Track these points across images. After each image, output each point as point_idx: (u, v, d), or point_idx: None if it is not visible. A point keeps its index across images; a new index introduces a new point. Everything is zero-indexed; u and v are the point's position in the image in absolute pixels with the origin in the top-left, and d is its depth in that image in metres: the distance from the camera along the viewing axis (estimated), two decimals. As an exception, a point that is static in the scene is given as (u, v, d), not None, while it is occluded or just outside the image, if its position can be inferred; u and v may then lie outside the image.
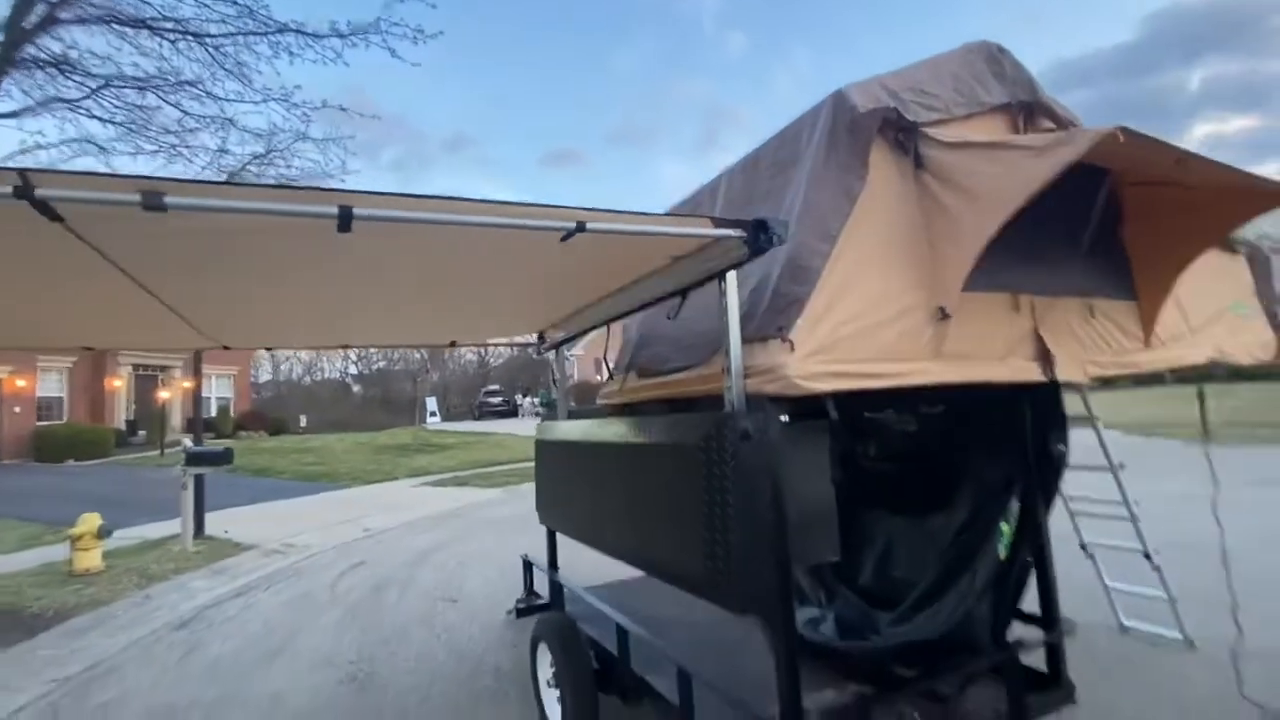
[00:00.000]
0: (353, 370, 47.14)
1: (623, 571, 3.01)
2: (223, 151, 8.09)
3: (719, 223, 1.76)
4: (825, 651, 2.58)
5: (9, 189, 1.21)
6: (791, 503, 1.82)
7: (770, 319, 1.93)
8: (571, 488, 3.03)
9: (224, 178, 7.68)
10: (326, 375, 47.47)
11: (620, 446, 2.42)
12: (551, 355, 4.23)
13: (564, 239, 1.62)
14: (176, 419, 22.15)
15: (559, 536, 3.62)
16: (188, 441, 8.05)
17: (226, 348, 3.43)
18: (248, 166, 8.07)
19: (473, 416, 34.29)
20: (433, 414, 34.51)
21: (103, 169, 7.59)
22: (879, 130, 2.10)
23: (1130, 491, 3.49)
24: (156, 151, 7.85)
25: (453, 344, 4.19)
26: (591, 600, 3.02)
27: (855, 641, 2.65)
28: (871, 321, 1.96)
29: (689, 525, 1.92)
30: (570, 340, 3.85)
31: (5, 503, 11.78)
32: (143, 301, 2.17)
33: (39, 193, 1.22)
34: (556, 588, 3.63)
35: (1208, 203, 2.28)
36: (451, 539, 8.27)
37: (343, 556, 7.58)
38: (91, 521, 6.55)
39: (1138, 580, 3.67)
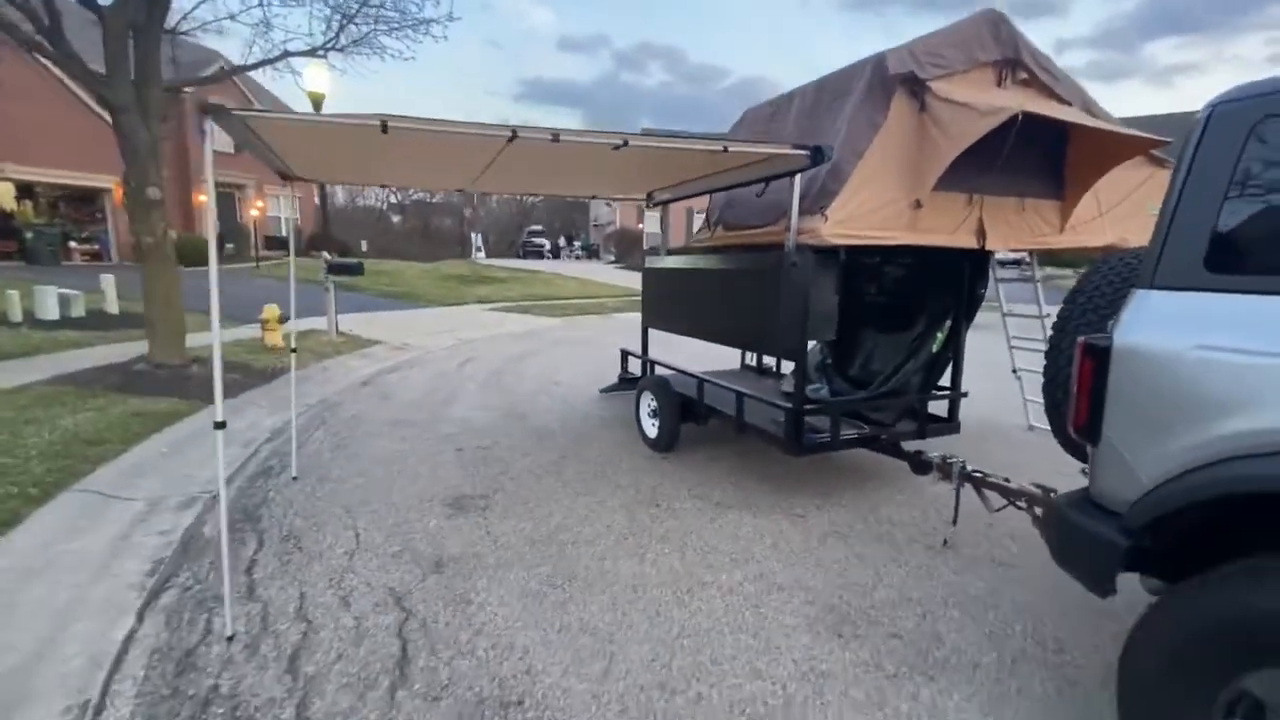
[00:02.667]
0: (391, 199, 48.21)
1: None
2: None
3: (796, 146, 3.20)
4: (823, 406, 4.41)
5: (379, 123, 2.65)
6: (813, 302, 3.47)
7: (816, 201, 3.43)
8: (678, 298, 4.70)
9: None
10: (366, 203, 48.63)
11: (722, 271, 4.05)
12: (655, 211, 5.69)
13: (718, 153, 3.09)
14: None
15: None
16: (326, 254, 9.88)
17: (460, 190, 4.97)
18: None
19: (516, 255, 36.00)
20: (478, 249, 36.21)
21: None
22: (900, 84, 3.41)
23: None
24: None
25: (589, 197, 5.67)
26: (677, 371, 4.87)
27: (841, 398, 4.46)
28: (873, 207, 3.45)
29: (762, 313, 3.60)
30: (674, 201, 5.30)
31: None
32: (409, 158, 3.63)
33: (390, 125, 2.68)
34: (651, 365, 5.49)
35: (1110, 140, 3.59)
36: (534, 350, 10.31)
37: (454, 355, 9.71)
38: (273, 311, 8.63)
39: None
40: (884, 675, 2.34)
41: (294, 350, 4.74)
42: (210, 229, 2.43)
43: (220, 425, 2.57)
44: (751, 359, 6.16)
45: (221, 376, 2.55)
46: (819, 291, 3.53)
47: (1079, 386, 1.85)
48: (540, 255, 34.93)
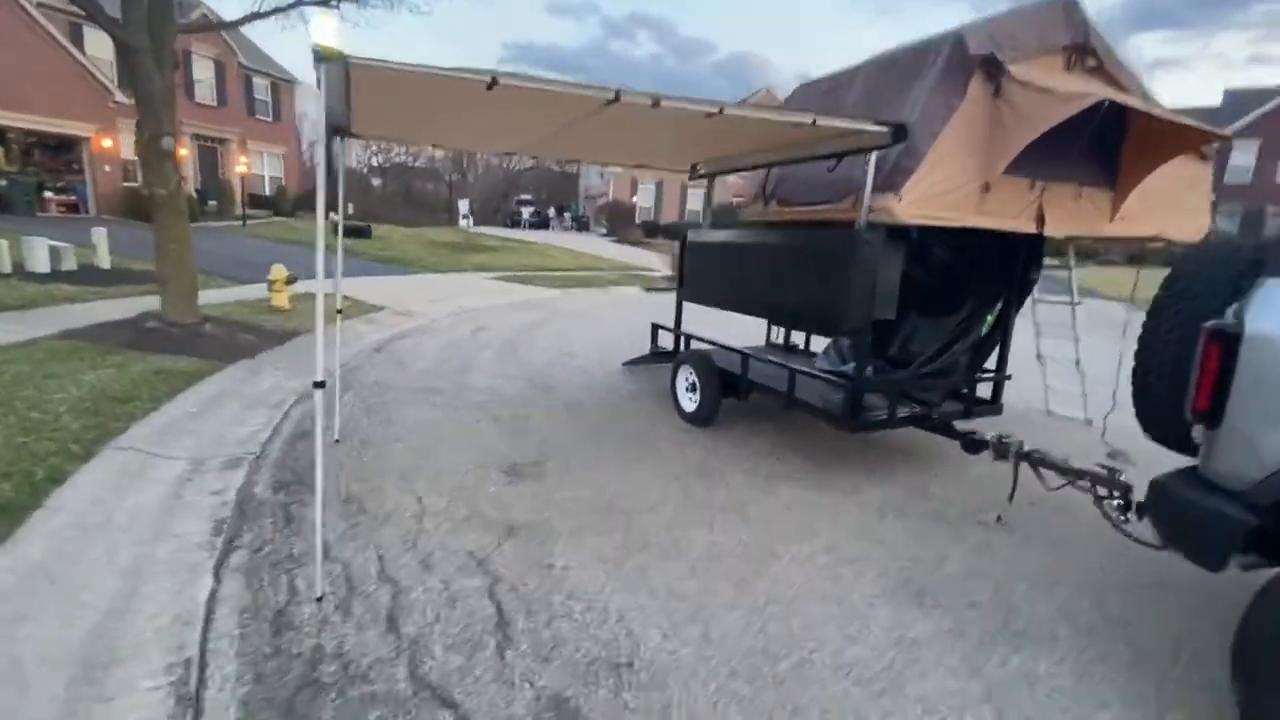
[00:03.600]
0: (373, 162, 46.66)
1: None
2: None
3: (879, 122, 3.18)
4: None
5: (488, 79, 2.57)
6: (879, 281, 3.50)
7: (890, 179, 3.43)
8: (728, 273, 4.68)
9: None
10: (346, 164, 47.00)
11: (783, 246, 4.05)
12: (698, 182, 5.63)
13: (806, 126, 3.06)
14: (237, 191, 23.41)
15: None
16: (334, 215, 9.59)
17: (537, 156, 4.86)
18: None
19: (504, 224, 35.39)
20: (465, 216, 35.50)
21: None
22: (979, 65, 3.41)
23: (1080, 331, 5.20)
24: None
25: (636, 165, 5.58)
26: (718, 345, 4.89)
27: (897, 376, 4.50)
28: (946, 188, 3.46)
29: (829, 290, 3.62)
30: (720, 174, 5.24)
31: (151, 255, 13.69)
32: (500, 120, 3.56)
33: (501, 81, 2.60)
34: (687, 340, 5.49)
35: (1171, 132, 3.65)
36: (542, 320, 10.22)
37: (462, 323, 9.58)
38: (281, 271, 8.40)
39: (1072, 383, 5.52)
40: (971, 643, 2.43)
41: (340, 311, 4.64)
42: (320, 186, 2.34)
43: (320, 385, 2.54)
44: (777, 335, 6.20)
45: (322, 328, 2.50)
46: (886, 270, 3.56)
47: (1203, 371, 1.91)
48: (531, 225, 34.38)
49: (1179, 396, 2.19)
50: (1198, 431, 2.08)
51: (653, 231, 29.44)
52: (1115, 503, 2.94)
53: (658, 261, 21.46)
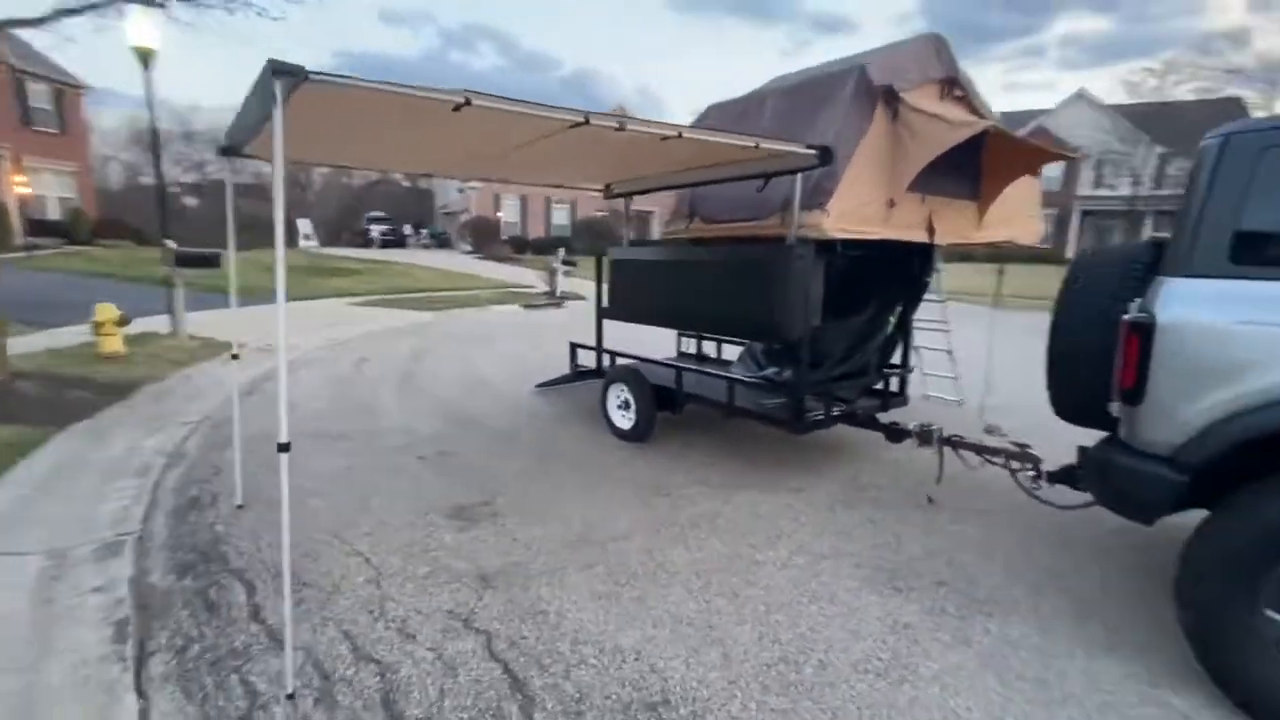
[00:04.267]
0: (184, 179, 41.02)
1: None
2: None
3: (809, 146, 3.42)
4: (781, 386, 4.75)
5: (463, 100, 2.47)
6: (812, 290, 3.75)
7: (815, 198, 3.69)
8: (657, 290, 4.71)
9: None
10: (149, 181, 40.79)
11: (716, 262, 4.17)
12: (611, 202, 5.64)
13: (748, 148, 3.19)
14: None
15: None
16: (170, 243, 8.30)
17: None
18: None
19: (354, 244, 32.83)
20: (307, 237, 32.48)
21: None
22: (881, 94, 3.78)
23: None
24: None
25: (555, 185, 5.43)
26: (647, 361, 4.93)
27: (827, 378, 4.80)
28: (860, 204, 3.79)
29: (760, 301, 3.79)
30: (636, 193, 5.28)
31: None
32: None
33: (475, 102, 2.50)
34: (611, 357, 5.46)
35: (1028, 152, 4.30)
36: (428, 346, 9.62)
37: (341, 355, 8.74)
38: (110, 311, 7.11)
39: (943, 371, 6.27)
40: (953, 617, 2.67)
41: (236, 356, 4.09)
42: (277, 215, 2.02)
43: (283, 448, 2.19)
44: (688, 346, 6.38)
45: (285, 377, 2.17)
46: (816, 281, 3.82)
47: (1126, 357, 2.28)
48: (386, 244, 32.23)
49: (1096, 379, 2.59)
50: (1116, 408, 2.48)
51: (521, 247, 28.96)
52: (1029, 474, 3.40)
53: (532, 278, 21.15)
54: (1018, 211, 5.21)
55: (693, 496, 3.92)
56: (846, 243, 3.94)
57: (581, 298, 18.25)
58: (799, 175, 3.63)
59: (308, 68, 1.82)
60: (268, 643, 2.47)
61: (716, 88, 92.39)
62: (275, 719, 2.07)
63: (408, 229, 34.49)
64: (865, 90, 3.79)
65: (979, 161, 4.59)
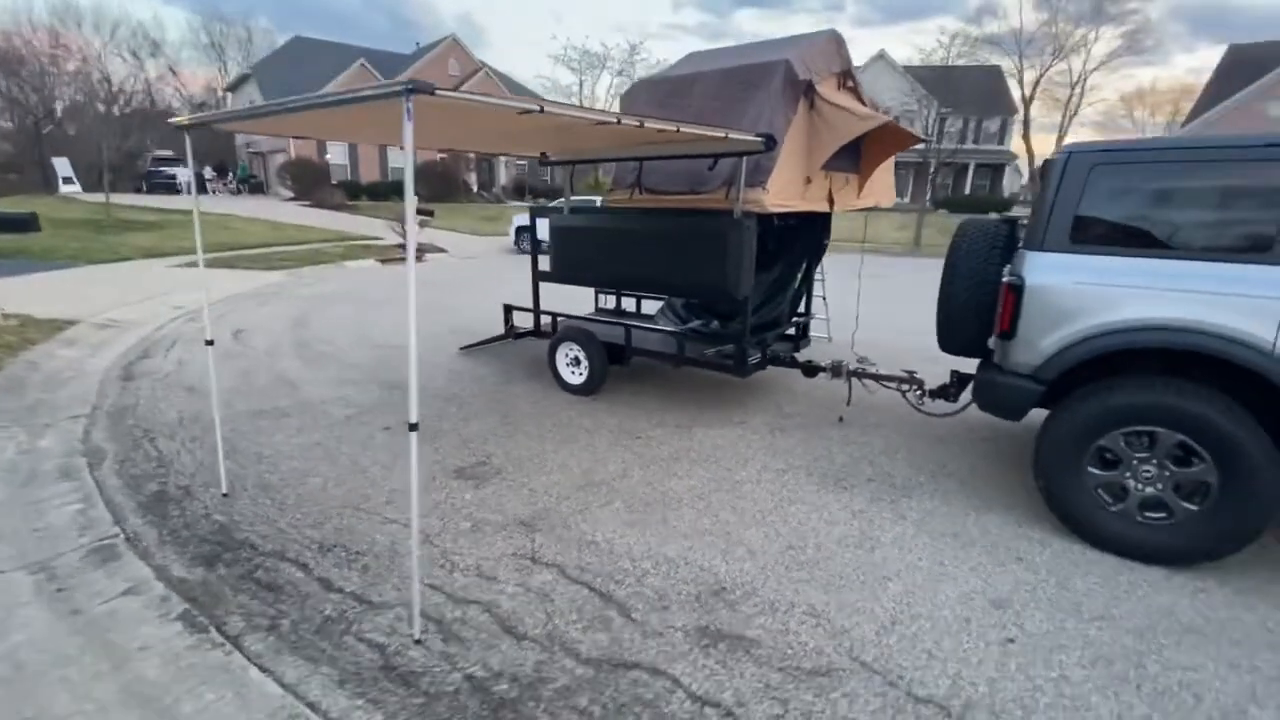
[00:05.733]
0: None
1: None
2: None
3: (758, 134, 4.02)
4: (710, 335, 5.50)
5: (537, 109, 2.77)
6: (751, 256, 4.45)
7: (756, 176, 4.34)
8: (606, 254, 5.07)
9: None
10: None
11: (666, 230, 4.65)
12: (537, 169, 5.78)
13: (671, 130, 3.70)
14: None
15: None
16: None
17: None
18: None
19: (138, 189, 27.48)
20: (68, 180, 26.60)
21: None
22: (803, 88, 4.48)
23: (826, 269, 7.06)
24: None
25: (494, 155, 5.40)
26: (594, 320, 5.37)
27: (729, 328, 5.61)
28: (788, 182, 4.52)
29: (711, 265, 4.41)
30: (577, 162, 5.50)
31: None
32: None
33: (546, 109, 2.82)
34: (553, 318, 5.78)
35: (894, 136, 5.31)
36: (303, 312, 8.97)
37: (199, 326, 7.84)
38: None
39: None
40: (887, 502, 3.64)
41: (210, 342, 3.81)
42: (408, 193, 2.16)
43: (413, 427, 2.43)
44: (606, 301, 6.87)
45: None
46: (754, 247, 4.51)
47: (1005, 308, 3.28)
48: (175, 189, 27.42)
49: (978, 322, 3.63)
50: (993, 342, 3.52)
51: (355, 194, 26.40)
52: (916, 393, 4.51)
53: (381, 228, 19.68)
54: (880, 180, 6.34)
55: (660, 438, 4.56)
56: (776, 214, 4.68)
57: (443, 250, 17.53)
58: (745, 158, 4.24)
59: (435, 87, 2.01)
60: (358, 605, 2.70)
61: (549, 24, 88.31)
62: (415, 661, 2.40)
63: (209, 172, 29.54)
64: (791, 83, 4.45)
65: (859, 143, 5.54)
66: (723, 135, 3.70)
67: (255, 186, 28.96)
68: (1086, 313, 3.06)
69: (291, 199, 26.05)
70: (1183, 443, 2.90)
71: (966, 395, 4.40)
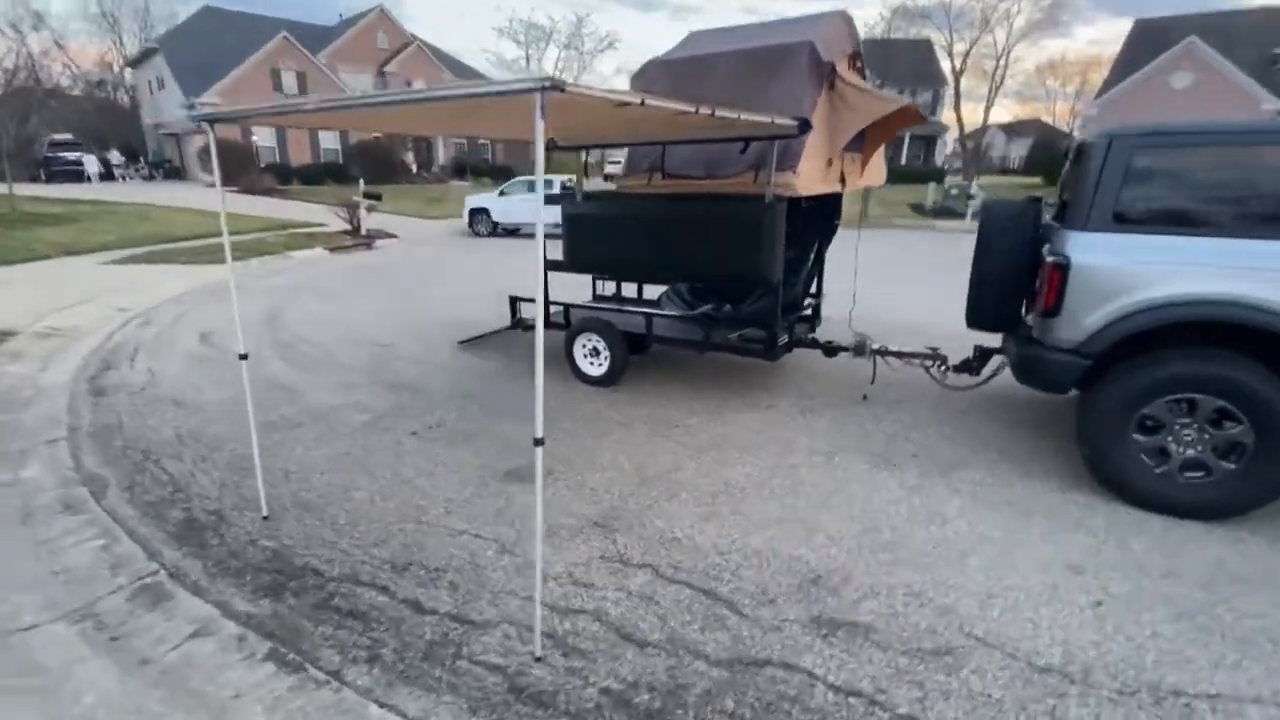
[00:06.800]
0: None
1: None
2: None
3: (794, 118, 3.99)
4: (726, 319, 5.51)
5: (638, 101, 2.68)
6: (782, 241, 4.46)
7: (787, 160, 4.32)
8: (626, 242, 4.95)
9: None
10: None
11: (690, 214, 4.57)
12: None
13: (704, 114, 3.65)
14: None
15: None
16: None
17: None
18: None
19: (34, 177, 24.76)
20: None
21: None
22: (827, 70, 4.47)
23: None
24: None
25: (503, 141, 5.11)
26: (616, 310, 5.28)
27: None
28: (815, 164, 4.53)
29: (745, 250, 4.39)
30: (590, 146, 5.31)
31: None
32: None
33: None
34: (566, 309, 5.62)
35: (901, 116, 5.41)
36: (270, 309, 8.42)
37: (163, 332, 7.26)
38: None
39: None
40: (938, 477, 3.78)
41: (244, 356, 3.52)
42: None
43: (539, 442, 2.34)
44: (604, 288, 6.75)
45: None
46: (783, 232, 4.52)
47: (1050, 285, 3.42)
48: (82, 177, 24.95)
49: (1013, 300, 3.78)
50: (1032, 319, 3.68)
51: (286, 178, 24.75)
52: (940, 368, 4.68)
53: (323, 214, 18.59)
54: (875, 160, 6.46)
55: (696, 427, 4.55)
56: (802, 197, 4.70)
57: (393, 236, 16.77)
58: (776, 144, 4.21)
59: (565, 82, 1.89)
60: (460, 626, 2.60)
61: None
62: (544, 680, 2.33)
63: (116, 157, 26.93)
64: (815, 65, 4.44)
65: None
66: (769, 120, 3.65)
67: (171, 172, 26.66)
68: (1131, 290, 3.24)
69: (215, 185, 24.21)
70: (1221, 408, 3.13)
71: (987, 369, 4.61)
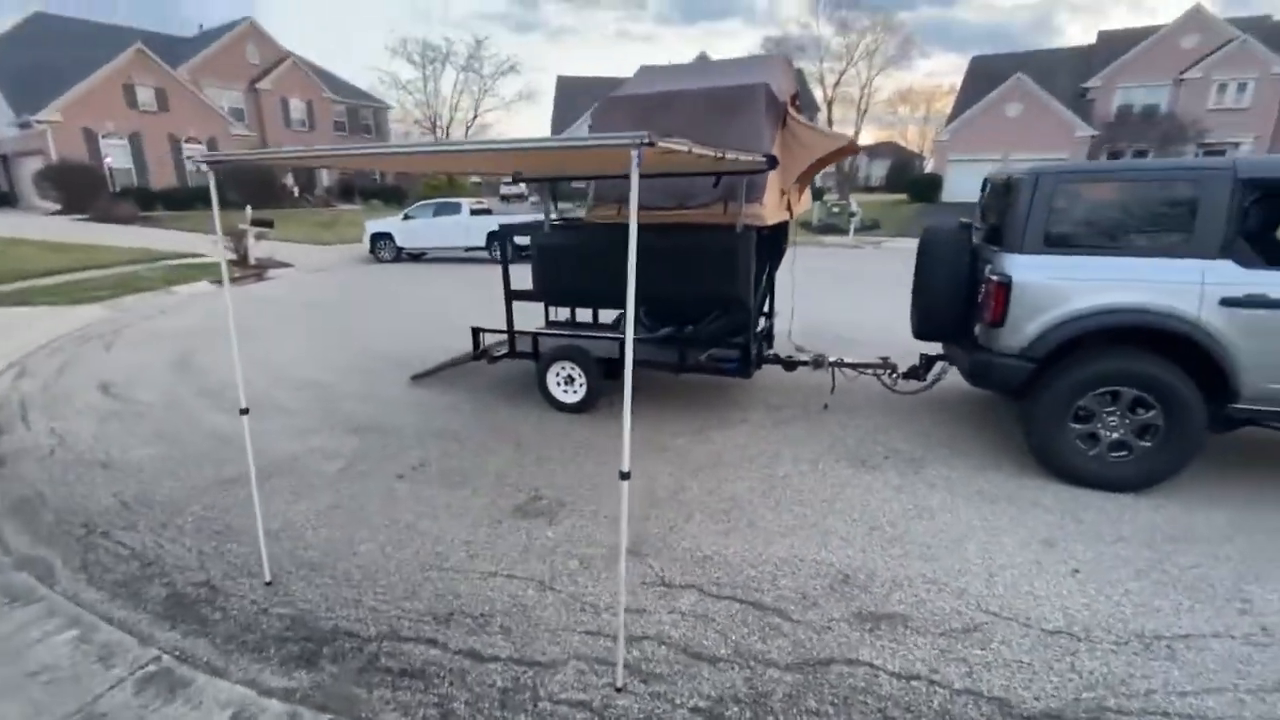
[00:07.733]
0: None
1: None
2: None
3: (762, 155, 4.32)
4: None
5: (686, 149, 2.86)
6: (751, 265, 4.79)
7: (754, 193, 4.65)
8: (598, 272, 5.01)
9: None
10: None
11: (668, 244, 4.75)
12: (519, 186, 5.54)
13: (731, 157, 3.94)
14: None
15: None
16: None
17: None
18: None
19: None
20: None
21: None
22: (781, 109, 4.87)
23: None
24: None
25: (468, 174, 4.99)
26: (589, 336, 5.36)
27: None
28: (774, 197, 4.91)
29: (722, 277, 4.66)
30: (556, 179, 5.34)
31: None
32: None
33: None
34: (534, 339, 5.59)
35: (838, 150, 5.96)
36: (175, 352, 7.65)
37: (53, 383, 6.36)
38: None
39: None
40: (914, 475, 4.21)
41: (245, 411, 3.23)
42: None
43: (625, 475, 2.38)
44: (558, 314, 6.80)
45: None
46: (754, 258, 4.84)
47: (995, 300, 3.96)
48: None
49: (957, 313, 4.33)
50: (979, 330, 4.22)
51: (148, 202, 22.22)
52: (890, 376, 5.19)
53: (201, 244, 16.95)
54: (803, 189, 7.03)
55: (685, 447, 4.73)
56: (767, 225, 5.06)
57: (287, 265, 15.65)
58: (747, 178, 4.53)
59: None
60: (528, 669, 2.58)
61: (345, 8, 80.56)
62: (633, 710, 2.39)
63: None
64: (772, 104, 4.82)
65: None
66: (750, 157, 3.95)
67: (4, 199, 23.08)
68: (1062, 302, 3.83)
69: (58, 212, 21.24)
70: (1138, 396, 3.78)
71: (931, 374, 5.17)
